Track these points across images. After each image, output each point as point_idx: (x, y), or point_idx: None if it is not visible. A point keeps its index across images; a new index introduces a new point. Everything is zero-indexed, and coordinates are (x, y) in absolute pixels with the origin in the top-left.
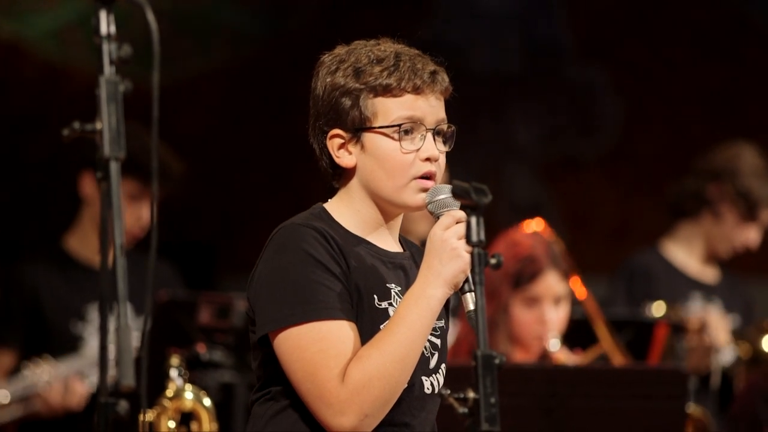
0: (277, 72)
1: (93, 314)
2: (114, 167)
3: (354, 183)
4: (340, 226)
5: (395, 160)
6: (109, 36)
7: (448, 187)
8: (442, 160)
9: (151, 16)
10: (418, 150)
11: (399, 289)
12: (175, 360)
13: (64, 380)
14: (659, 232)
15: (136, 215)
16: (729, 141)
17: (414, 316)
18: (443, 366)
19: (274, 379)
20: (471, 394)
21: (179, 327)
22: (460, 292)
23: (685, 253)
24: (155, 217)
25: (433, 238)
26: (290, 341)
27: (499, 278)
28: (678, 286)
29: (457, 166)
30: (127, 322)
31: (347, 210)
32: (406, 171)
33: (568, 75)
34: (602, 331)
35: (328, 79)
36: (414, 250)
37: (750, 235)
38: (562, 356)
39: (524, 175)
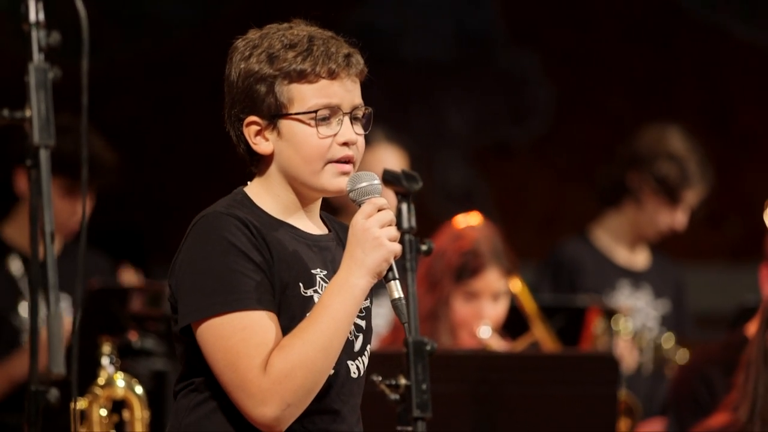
0: (207, 58)
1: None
2: (44, 155)
3: (272, 169)
4: (263, 210)
5: (312, 145)
6: (38, 23)
7: (370, 174)
8: (361, 142)
9: (80, 3)
10: (335, 135)
11: (325, 273)
12: (106, 348)
13: None
14: (590, 219)
15: (71, 210)
16: (650, 123)
17: (337, 305)
18: (368, 347)
19: (197, 370)
20: (402, 381)
21: (111, 315)
22: (384, 280)
23: (612, 241)
24: (86, 205)
25: (355, 226)
26: (212, 331)
27: (442, 270)
28: (605, 275)
29: None
30: (58, 310)
31: (267, 195)
32: (323, 156)
33: (499, 62)
34: (536, 323)
35: (242, 66)
36: (338, 228)
37: (675, 219)
38: (493, 343)
39: (456, 162)
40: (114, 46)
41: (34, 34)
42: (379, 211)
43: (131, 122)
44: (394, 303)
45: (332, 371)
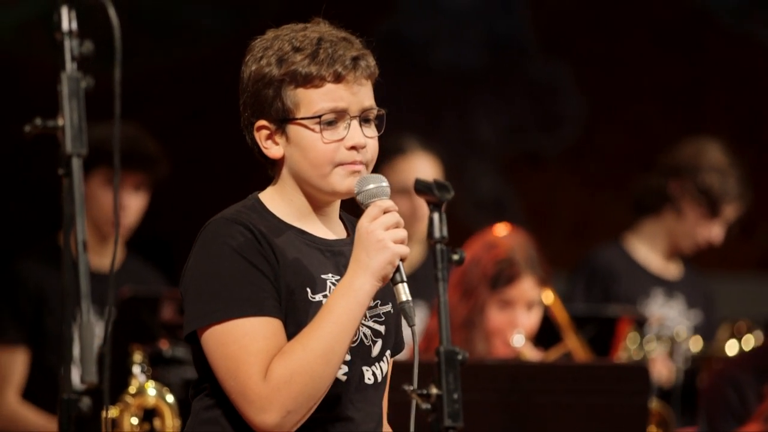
0: (240, 67)
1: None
2: (76, 164)
3: (285, 173)
4: (274, 216)
5: (317, 150)
6: (70, 32)
7: (377, 176)
8: (372, 145)
9: (112, 12)
10: (341, 139)
11: (337, 278)
12: (138, 356)
13: None
14: (621, 228)
15: (137, 205)
16: (691, 136)
17: (340, 309)
18: (388, 353)
19: (208, 375)
20: (434, 390)
21: (142, 323)
22: (391, 283)
23: (648, 249)
24: (139, 201)
25: (359, 230)
26: (214, 338)
27: (477, 278)
28: (639, 283)
29: None
30: (90, 319)
31: (281, 199)
32: (330, 160)
33: (530, 71)
34: (568, 333)
35: (253, 68)
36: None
37: (713, 232)
38: (527, 351)
39: (486, 171)
40: (146, 55)
41: (66, 43)
42: (384, 213)
43: (163, 130)
44: (402, 306)
45: (344, 377)
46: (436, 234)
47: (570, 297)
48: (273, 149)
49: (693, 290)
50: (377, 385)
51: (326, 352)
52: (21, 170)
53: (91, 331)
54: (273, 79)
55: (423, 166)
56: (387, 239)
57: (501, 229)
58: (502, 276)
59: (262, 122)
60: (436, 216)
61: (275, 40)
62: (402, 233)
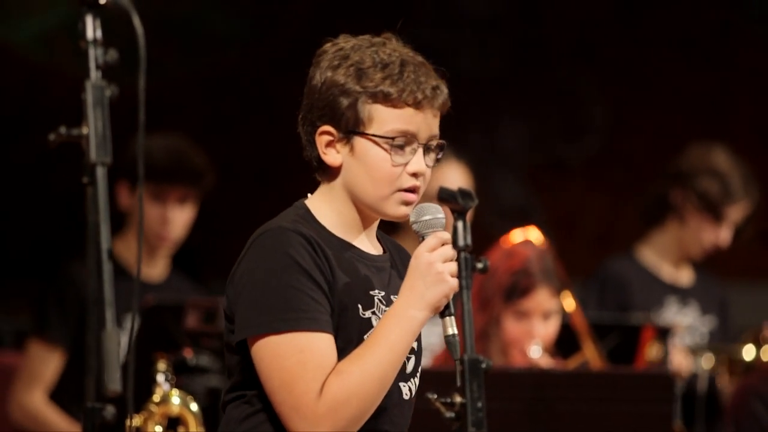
0: (262, 77)
1: (128, 323)
2: (100, 172)
3: (338, 182)
4: (324, 228)
5: (383, 170)
6: (95, 41)
7: (435, 206)
8: (428, 172)
9: (137, 21)
10: (406, 164)
11: (382, 294)
12: (162, 365)
13: None
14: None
15: (161, 216)
16: (699, 143)
17: (395, 336)
18: (420, 368)
19: (250, 383)
20: (458, 399)
21: (166, 332)
22: (440, 316)
23: (658, 258)
24: (184, 215)
25: (419, 258)
26: (269, 349)
27: (493, 290)
28: (652, 292)
29: None
30: (114, 327)
31: (329, 209)
32: (392, 183)
33: (554, 79)
34: (587, 342)
35: (328, 74)
36: (391, 247)
37: (720, 236)
38: (543, 363)
39: (510, 180)
40: (170, 64)
41: (91, 51)
42: (443, 245)
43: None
44: (448, 339)
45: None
46: (461, 242)
47: (584, 308)
48: (332, 156)
49: (706, 296)
50: (411, 401)
51: (381, 377)
52: (55, 178)
53: (115, 339)
54: (350, 90)
55: (456, 176)
56: (446, 272)
57: (526, 233)
58: (518, 287)
59: (328, 128)
60: (460, 224)
61: (354, 51)
62: (455, 267)
